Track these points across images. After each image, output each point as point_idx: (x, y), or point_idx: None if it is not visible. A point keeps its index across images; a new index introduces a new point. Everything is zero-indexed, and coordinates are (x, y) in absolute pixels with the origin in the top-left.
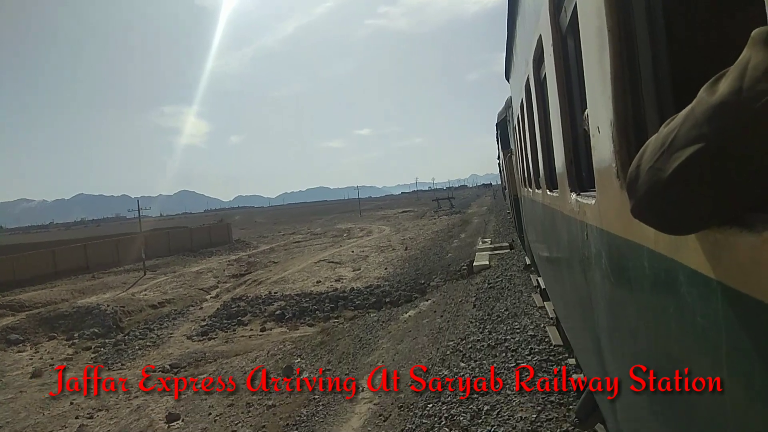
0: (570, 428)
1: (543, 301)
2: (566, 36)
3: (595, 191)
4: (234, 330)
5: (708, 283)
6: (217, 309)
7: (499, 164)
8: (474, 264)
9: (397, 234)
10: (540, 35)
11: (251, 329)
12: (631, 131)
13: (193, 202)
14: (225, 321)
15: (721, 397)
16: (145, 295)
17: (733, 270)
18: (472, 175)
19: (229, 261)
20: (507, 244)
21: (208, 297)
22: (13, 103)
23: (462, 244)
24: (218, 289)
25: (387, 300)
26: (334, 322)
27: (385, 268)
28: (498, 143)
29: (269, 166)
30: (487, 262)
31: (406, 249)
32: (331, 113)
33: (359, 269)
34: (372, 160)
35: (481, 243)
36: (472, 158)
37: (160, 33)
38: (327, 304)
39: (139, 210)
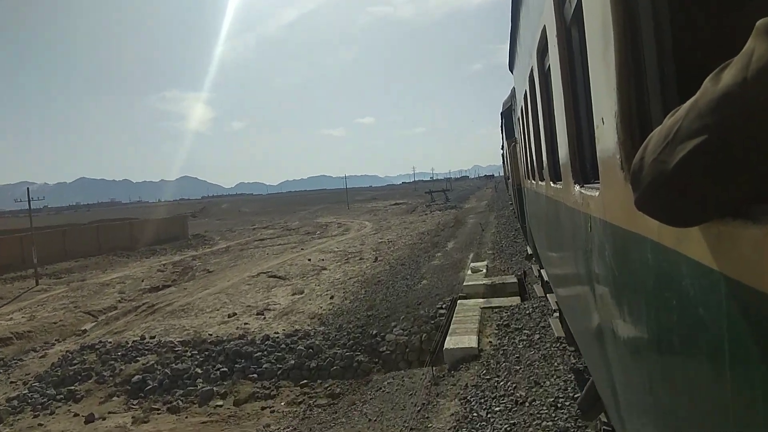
0: None
1: (545, 293)
2: (570, 27)
3: (598, 183)
4: (51, 412)
5: (711, 275)
6: (53, 364)
7: (502, 154)
8: (447, 347)
9: (377, 234)
10: (544, 26)
11: (76, 414)
12: (635, 123)
13: (195, 188)
14: (50, 391)
15: (724, 389)
16: (10, 320)
17: (736, 262)
18: (474, 166)
19: (163, 265)
20: (514, 280)
21: (86, 327)
22: (16, 85)
23: (445, 262)
24: (108, 315)
25: (310, 365)
26: (215, 409)
27: (332, 297)
28: (502, 132)
29: (271, 153)
30: (475, 344)
31: (375, 260)
32: (333, 101)
33: (301, 293)
34: (374, 149)
35: (470, 271)
36: (475, 149)
37: (162, 17)
38: (218, 366)
39: (29, 200)
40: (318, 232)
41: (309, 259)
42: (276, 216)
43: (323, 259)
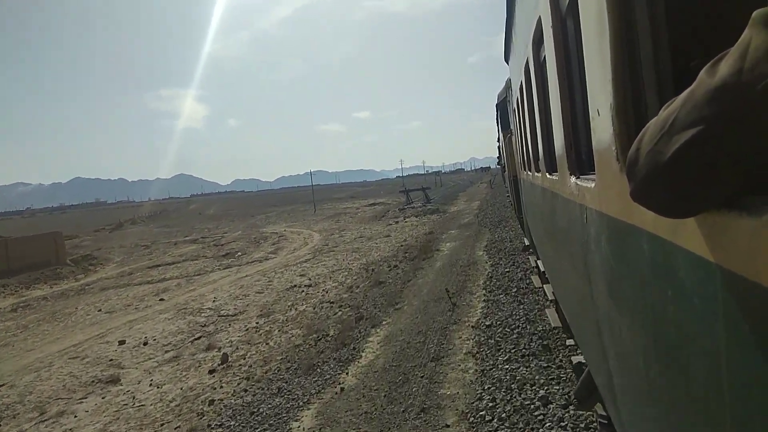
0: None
1: (542, 284)
2: (566, 18)
3: (594, 174)
4: None
5: (707, 267)
6: None
7: (498, 146)
8: None
9: (308, 262)
10: (539, 17)
11: None
12: (630, 114)
13: (190, 186)
14: None
15: (719, 381)
16: None
17: (732, 253)
18: (471, 158)
19: None
20: None
21: None
22: (10, 86)
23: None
24: None
25: None
26: None
27: None
28: (498, 124)
29: (267, 149)
30: None
31: (210, 372)
32: (328, 96)
33: None
34: (370, 143)
35: None
36: (472, 142)
37: (155, 14)
38: None
39: None
40: (239, 253)
41: (147, 335)
42: (230, 221)
43: (144, 342)
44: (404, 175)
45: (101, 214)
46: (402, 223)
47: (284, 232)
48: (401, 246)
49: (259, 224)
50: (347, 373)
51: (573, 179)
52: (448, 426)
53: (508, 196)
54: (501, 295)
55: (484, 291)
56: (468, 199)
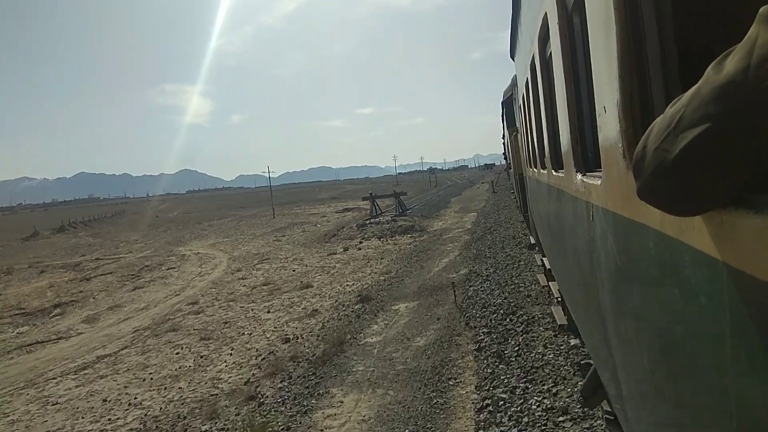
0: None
1: (547, 281)
2: (572, 14)
3: (600, 172)
4: None
5: (714, 265)
6: None
7: (504, 143)
8: None
9: (91, 369)
10: (545, 13)
11: None
12: (637, 111)
13: (195, 182)
14: None
15: (725, 378)
16: None
17: (738, 251)
18: (476, 155)
19: None
20: None
21: None
22: (14, 81)
23: None
24: None
25: None
26: None
27: None
28: (503, 121)
29: (271, 145)
30: None
31: None
32: (332, 92)
33: None
34: (374, 139)
35: None
36: (476, 138)
37: (160, 9)
38: None
39: None
40: (93, 298)
41: None
42: (171, 230)
43: None
44: (405, 172)
45: (65, 214)
46: (354, 250)
47: (196, 256)
48: (301, 325)
49: (187, 239)
50: None
51: (579, 176)
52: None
53: (515, 198)
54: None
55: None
56: (461, 209)
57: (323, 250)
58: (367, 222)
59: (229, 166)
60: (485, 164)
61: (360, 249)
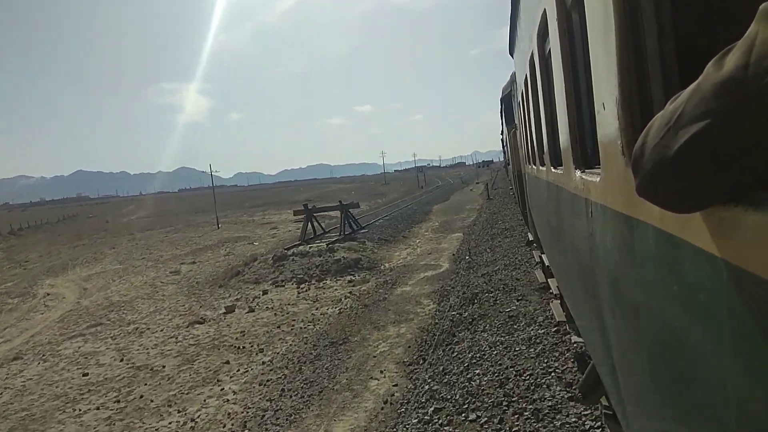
0: None
1: (546, 278)
2: (571, 10)
3: (599, 168)
4: None
5: (713, 262)
6: None
7: (502, 140)
8: None
9: None
10: (544, 9)
11: None
12: (636, 108)
13: (192, 179)
14: None
15: (724, 376)
16: None
17: (738, 248)
18: (474, 152)
19: None
20: None
21: None
22: (12, 79)
23: None
24: None
25: None
26: None
27: None
28: (502, 118)
29: (269, 143)
30: None
31: None
32: (331, 90)
33: None
34: (373, 137)
35: None
36: (475, 135)
37: (158, 7)
38: None
39: None
40: None
41: None
42: (87, 244)
43: None
44: (402, 169)
45: (37, 215)
46: (240, 313)
47: (38, 301)
48: None
49: (79, 261)
50: None
51: (578, 173)
52: None
53: (513, 194)
54: None
55: None
56: (441, 225)
57: (199, 307)
58: (290, 252)
59: (228, 164)
60: (483, 161)
61: (252, 311)
